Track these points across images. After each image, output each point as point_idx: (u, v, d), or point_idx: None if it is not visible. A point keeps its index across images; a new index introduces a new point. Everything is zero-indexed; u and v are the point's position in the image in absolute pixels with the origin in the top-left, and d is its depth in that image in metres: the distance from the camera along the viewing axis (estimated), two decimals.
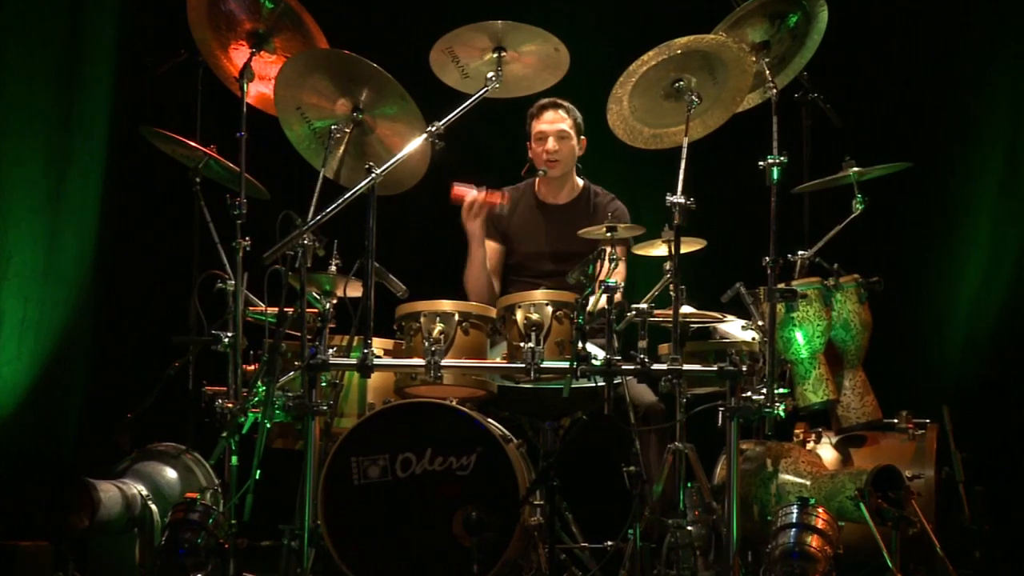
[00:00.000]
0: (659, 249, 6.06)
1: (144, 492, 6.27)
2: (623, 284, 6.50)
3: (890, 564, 5.74)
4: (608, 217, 6.13)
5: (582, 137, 6.89)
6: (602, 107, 6.11)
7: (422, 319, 5.95)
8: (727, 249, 6.64)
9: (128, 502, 6.20)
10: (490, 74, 6.19)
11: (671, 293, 5.81)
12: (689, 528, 5.79)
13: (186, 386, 6.63)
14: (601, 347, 5.84)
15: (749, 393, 5.75)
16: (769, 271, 5.84)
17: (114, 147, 7.42)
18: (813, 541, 5.69)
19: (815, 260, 6.36)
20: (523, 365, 5.81)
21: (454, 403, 5.97)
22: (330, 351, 5.84)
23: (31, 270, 7.00)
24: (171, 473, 6.38)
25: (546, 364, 5.81)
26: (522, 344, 5.84)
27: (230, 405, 6.13)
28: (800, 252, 6.37)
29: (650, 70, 6.00)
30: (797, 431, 6.49)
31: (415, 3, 7.88)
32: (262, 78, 6.49)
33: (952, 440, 6.42)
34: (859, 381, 6.38)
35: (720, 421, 5.78)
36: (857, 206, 6.40)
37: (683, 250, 5.87)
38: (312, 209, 5.84)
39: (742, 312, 6.12)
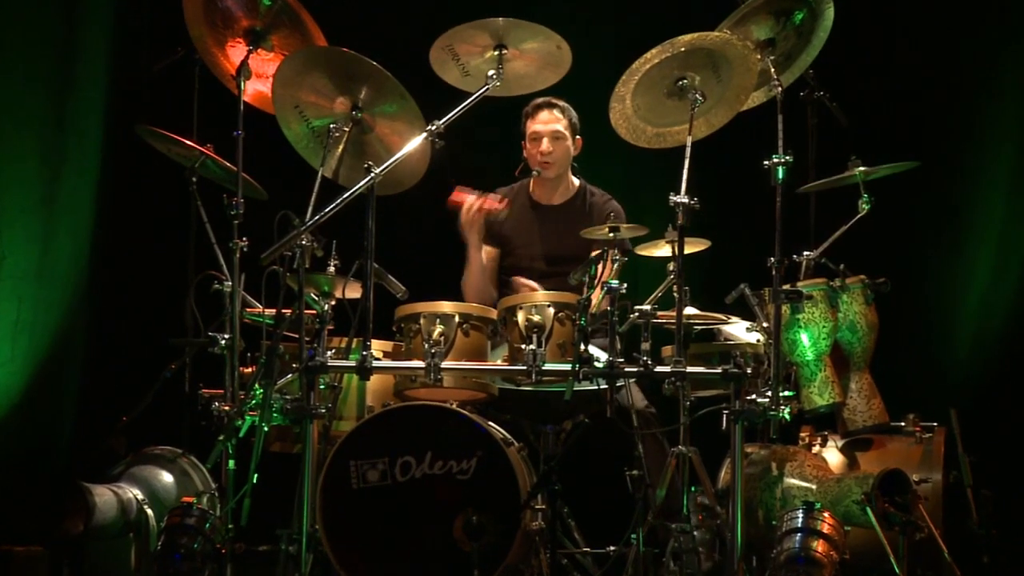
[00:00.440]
0: (662, 250, 6.06)
1: (140, 496, 6.27)
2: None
3: (897, 569, 5.74)
4: (606, 217, 6.13)
5: (577, 137, 6.88)
6: (604, 106, 6.11)
7: (422, 320, 5.95)
8: (731, 250, 6.63)
9: (123, 506, 6.20)
10: (491, 72, 6.19)
11: (675, 294, 5.81)
12: (693, 533, 5.79)
13: (182, 389, 6.63)
14: (603, 349, 5.84)
15: (754, 396, 5.75)
16: (774, 272, 5.84)
17: (109, 146, 7.43)
18: (819, 546, 5.69)
19: (821, 261, 6.37)
20: (524, 367, 5.81)
21: (454, 406, 5.97)
22: (328, 353, 5.84)
23: (25, 271, 7.01)
24: (167, 477, 6.39)
25: (548, 366, 5.81)
26: (523, 346, 5.84)
27: (227, 408, 6.14)
28: (806, 253, 6.37)
29: (653, 68, 6.00)
30: (802, 434, 6.49)
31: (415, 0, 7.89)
32: (259, 76, 6.49)
33: (960, 443, 6.42)
34: (865, 383, 6.38)
35: (724, 424, 5.77)
36: (863, 206, 6.41)
37: (687, 251, 5.87)
38: (310, 209, 5.84)
39: (747, 314, 6.12)
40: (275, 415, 5.86)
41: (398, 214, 6.71)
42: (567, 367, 5.72)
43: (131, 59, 7.49)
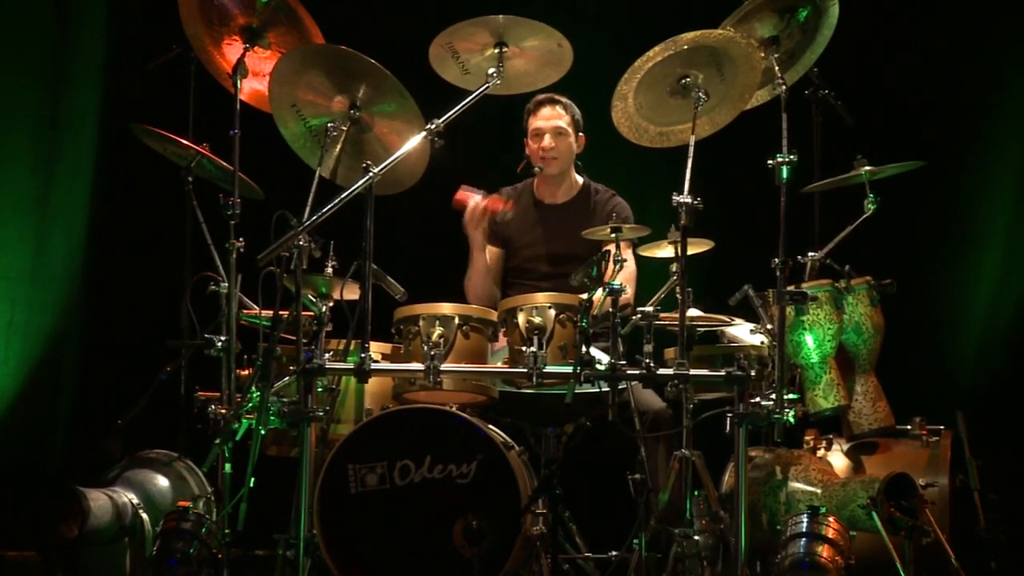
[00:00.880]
0: (665, 250, 6.06)
1: (135, 501, 6.27)
2: (629, 287, 6.51)
3: (903, 575, 5.74)
4: (609, 216, 6.13)
5: (581, 134, 6.89)
6: (606, 104, 6.12)
7: (421, 322, 5.95)
8: (735, 250, 6.63)
9: (118, 511, 6.20)
10: (491, 70, 6.20)
11: (677, 296, 5.81)
12: (696, 538, 5.79)
13: (178, 391, 6.64)
14: (605, 351, 5.85)
15: (758, 399, 5.76)
16: (778, 273, 5.84)
17: (104, 145, 7.44)
18: (824, 551, 5.69)
19: (826, 262, 6.37)
20: (525, 370, 5.82)
21: (454, 409, 5.98)
22: (326, 355, 5.85)
23: (18, 272, 7.02)
24: (163, 481, 6.39)
25: (549, 369, 5.82)
26: (524, 348, 5.84)
27: (223, 411, 6.14)
28: (810, 253, 6.37)
29: (656, 66, 6.01)
30: (807, 438, 6.49)
31: None
32: (256, 74, 6.50)
33: (967, 447, 6.42)
34: (871, 386, 6.38)
35: (728, 428, 5.78)
36: (869, 206, 6.41)
37: (690, 251, 5.87)
38: (308, 209, 5.84)
39: (751, 315, 6.12)
40: (272, 418, 5.86)
41: (397, 214, 6.71)
42: (568, 369, 5.72)
43: (126, 57, 7.50)
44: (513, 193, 7.00)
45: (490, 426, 6.00)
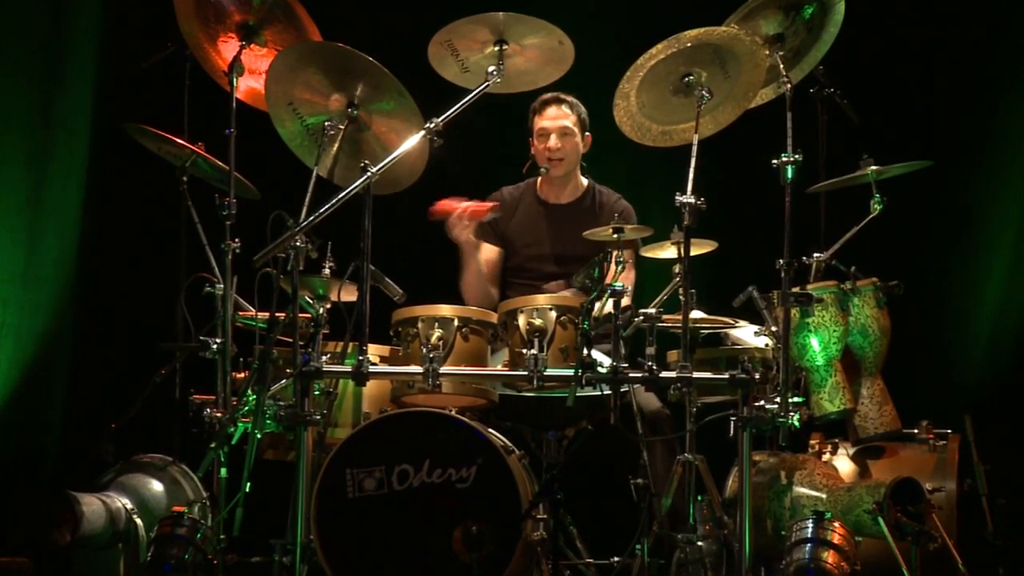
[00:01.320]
0: (668, 251, 6.07)
1: (129, 506, 6.27)
2: (631, 289, 6.52)
3: None
4: (613, 217, 6.14)
5: (587, 134, 6.91)
6: (608, 103, 6.12)
7: (420, 325, 5.96)
8: (739, 251, 6.65)
9: (112, 516, 6.21)
10: (491, 68, 6.20)
11: (681, 297, 5.82)
12: (699, 543, 5.80)
13: (173, 395, 6.65)
14: (607, 354, 5.86)
15: (762, 402, 5.76)
16: (783, 274, 5.84)
17: (97, 145, 7.45)
18: (829, 557, 5.70)
19: (831, 263, 6.37)
20: (525, 373, 5.82)
21: (453, 412, 5.99)
22: (323, 358, 5.86)
23: (10, 273, 7.02)
24: (157, 486, 6.39)
25: (549, 372, 5.82)
26: (524, 351, 5.85)
27: (219, 414, 6.14)
28: (816, 254, 6.38)
29: (659, 64, 6.02)
30: (812, 442, 6.50)
31: None
32: (252, 72, 6.50)
33: (975, 451, 6.43)
34: (877, 390, 6.39)
35: (732, 431, 5.79)
36: (875, 206, 6.42)
37: (693, 252, 5.88)
38: (305, 209, 5.85)
39: (755, 317, 6.13)
40: (268, 422, 5.87)
41: (395, 215, 6.72)
42: (569, 372, 5.73)
43: (120, 55, 7.50)
44: (516, 192, 7.01)
45: (490, 430, 6.01)
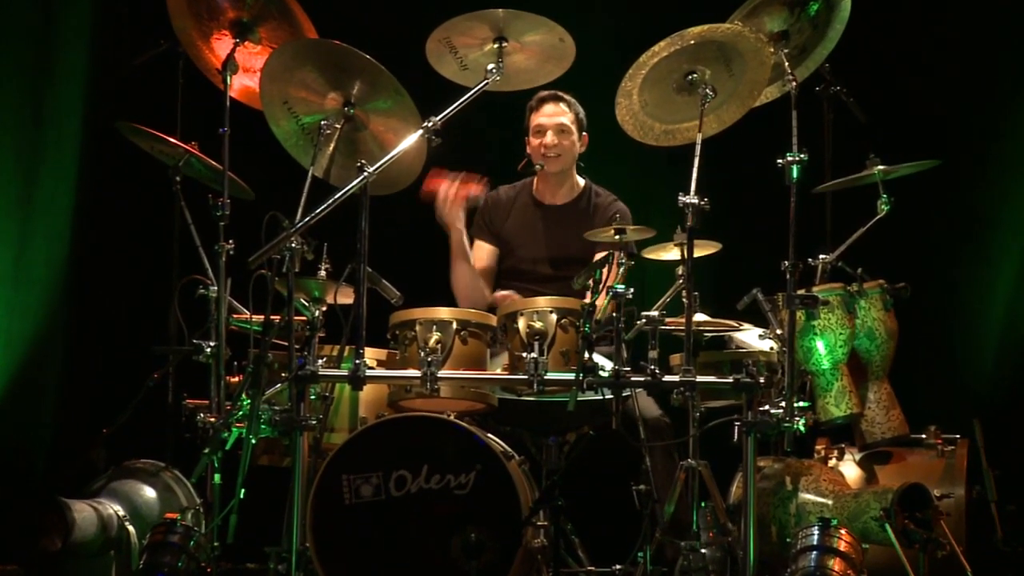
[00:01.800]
0: (671, 253, 6.07)
1: (121, 512, 6.28)
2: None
3: None
4: (607, 219, 6.14)
5: (584, 133, 6.91)
6: (610, 101, 6.13)
7: (418, 327, 5.96)
8: (743, 253, 6.65)
9: (104, 523, 6.21)
10: (490, 66, 6.20)
11: (684, 300, 5.82)
12: (703, 551, 5.80)
13: (166, 399, 6.65)
14: (608, 357, 5.86)
15: (767, 407, 5.76)
16: (788, 276, 5.85)
17: (88, 144, 7.45)
18: (835, 565, 5.70)
19: (837, 264, 6.38)
20: (525, 377, 5.83)
21: (452, 417, 5.98)
22: (319, 362, 5.85)
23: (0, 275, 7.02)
24: (150, 492, 6.40)
25: (550, 375, 5.82)
26: (524, 354, 5.85)
27: (213, 419, 6.15)
28: (821, 256, 6.39)
29: (661, 62, 6.02)
30: (818, 447, 6.51)
31: None
32: (247, 70, 6.51)
33: (984, 457, 6.44)
34: (884, 394, 6.40)
35: (736, 436, 5.79)
36: (882, 207, 6.43)
37: (697, 254, 5.88)
38: (300, 210, 5.85)
39: (759, 320, 6.13)
40: (263, 427, 5.87)
41: (393, 215, 6.71)
42: (570, 376, 5.73)
43: (112, 52, 7.51)
44: (511, 191, 7.02)
45: (489, 435, 6.01)
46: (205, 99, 6.66)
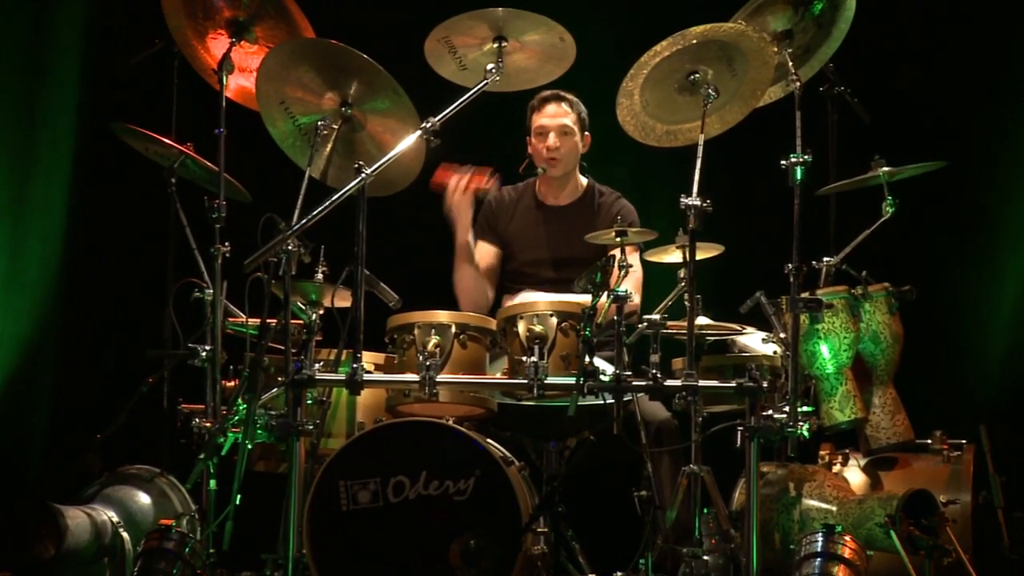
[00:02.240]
0: (673, 255, 6.07)
1: (115, 519, 6.28)
2: (637, 285, 6.55)
3: None
4: (612, 219, 6.14)
5: (586, 133, 6.91)
6: (611, 102, 6.13)
7: (416, 331, 5.96)
8: (746, 255, 6.65)
9: (97, 529, 6.21)
10: (490, 66, 6.20)
11: (686, 303, 5.82)
12: (705, 558, 5.80)
13: (160, 404, 6.65)
14: (610, 361, 5.86)
15: (770, 411, 5.76)
16: (792, 279, 5.85)
17: (82, 144, 7.46)
18: (840, 572, 5.70)
19: (842, 267, 6.38)
20: (525, 381, 5.82)
21: (451, 422, 5.98)
22: (316, 366, 5.85)
23: None
24: (144, 498, 6.40)
25: (550, 380, 5.82)
26: (524, 358, 5.85)
27: (208, 424, 6.15)
28: (826, 259, 6.39)
29: (663, 62, 6.02)
30: (822, 453, 6.50)
31: None
32: (243, 70, 6.51)
33: (990, 462, 6.43)
34: (889, 398, 6.40)
35: (739, 442, 5.78)
36: (887, 209, 6.42)
37: (699, 256, 5.88)
38: (297, 212, 5.85)
39: (763, 324, 6.13)
40: (259, 432, 5.87)
41: (391, 217, 6.71)
42: (571, 381, 5.73)
43: (106, 51, 7.51)
44: (513, 193, 7.02)
45: (489, 440, 6.01)
46: (201, 100, 6.66)
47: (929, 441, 6.43)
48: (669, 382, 5.77)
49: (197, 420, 6.19)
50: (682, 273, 5.94)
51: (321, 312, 6.07)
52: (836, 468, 6.43)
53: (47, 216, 7.33)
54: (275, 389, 6.08)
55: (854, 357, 6.29)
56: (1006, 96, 7.70)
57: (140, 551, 5.94)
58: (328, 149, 6.20)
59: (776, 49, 6.13)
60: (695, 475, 5.93)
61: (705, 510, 5.92)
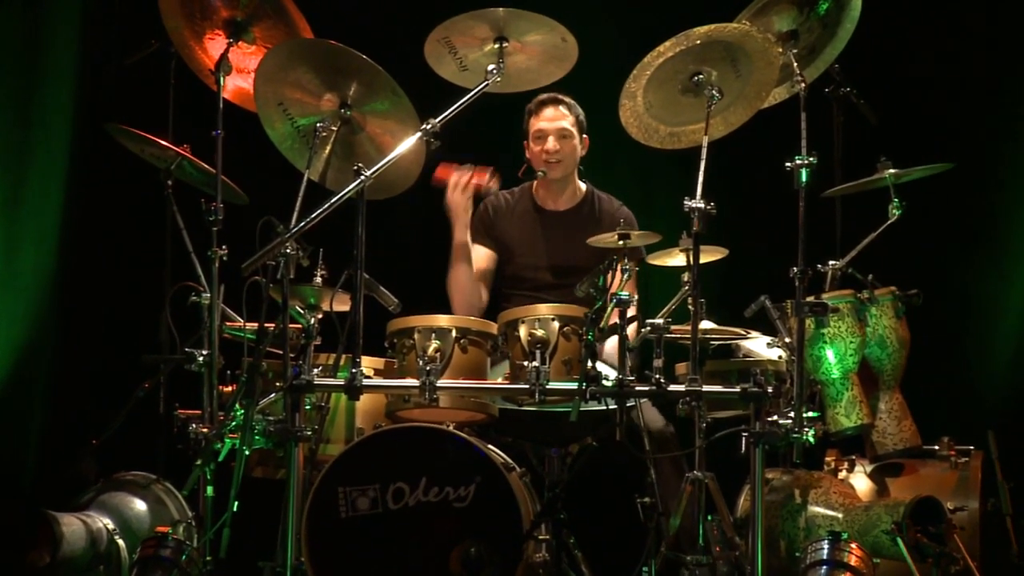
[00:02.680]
0: (676, 259, 6.07)
1: (110, 526, 6.28)
2: (635, 299, 6.53)
3: None
4: (618, 223, 6.13)
5: (584, 136, 6.91)
6: (614, 103, 6.12)
7: (416, 336, 5.95)
8: (751, 259, 6.65)
9: (93, 537, 6.21)
10: (491, 67, 6.20)
11: (690, 307, 5.81)
12: (710, 565, 5.79)
13: (157, 409, 6.64)
14: (612, 366, 5.85)
15: (775, 417, 5.75)
16: (797, 283, 5.84)
17: (78, 146, 7.45)
18: None
19: (848, 271, 6.38)
20: (527, 386, 5.81)
21: (451, 428, 5.98)
22: (315, 371, 5.84)
23: None
24: (140, 505, 6.39)
25: (552, 385, 5.81)
26: (526, 363, 5.84)
27: (205, 430, 6.14)
28: (831, 262, 6.40)
29: (667, 62, 6.02)
30: (828, 459, 6.51)
31: None
32: (240, 71, 6.51)
33: (998, 469, 6.43)
34: (896, 404, 6.39)
35: (743, 448, 5.78)
36: (894, 212, 6.43)
37: (703, 260, 5.87)
38: (295, 215, 5.84)
39: (767, 328, 6.13)
40: (257, 438, 5.87)
41: (390, 220, 6.71)
42: (573, 386, 5.72)
43: (102, 52, 7.51)
44: (511, 197, 7.02)
45: (490, 446, 6.01)
46: (198, 101, 6.66)
47: (936, 447, 6.43)
48: (673, 387, 5.76)
49: (194, 426, 6.18)
50: (686, 277, 5.93)
51: (320, 316, 6.07)
52: (842, 474, 6.43)
53: (42, 219, 7.32)
54: (273, 394, 6.09)
55: (860, 362, 6.28)
56: (1013, 98, 7.70)
57: (136, 559, 5.94)
58: (327, 151, 6.20)
59: (781, 50, 6.12)
60: (699, 481, 5.92)
61: (709, 517, 5.92)
